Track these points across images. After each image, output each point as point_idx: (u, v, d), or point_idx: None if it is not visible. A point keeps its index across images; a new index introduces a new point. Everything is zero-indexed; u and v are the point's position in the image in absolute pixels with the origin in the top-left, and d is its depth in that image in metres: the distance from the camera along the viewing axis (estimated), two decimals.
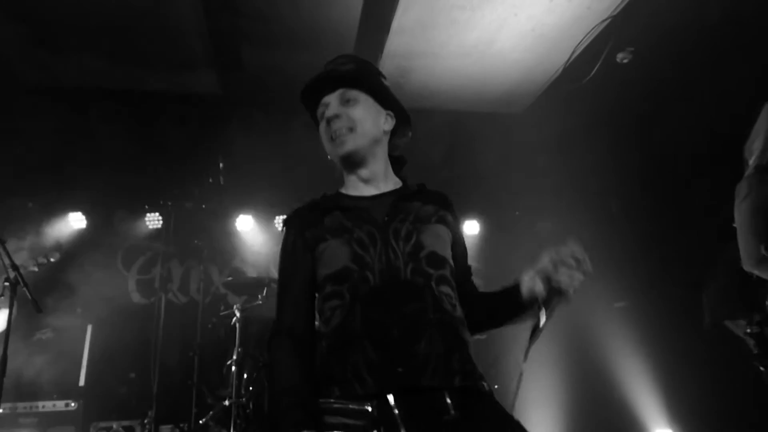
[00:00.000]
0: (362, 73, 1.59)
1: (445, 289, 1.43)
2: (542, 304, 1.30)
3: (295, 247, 1.54)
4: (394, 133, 1.65)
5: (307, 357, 1.42)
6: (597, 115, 4.95)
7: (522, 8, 3.87)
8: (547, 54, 4.40)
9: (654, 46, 4.05)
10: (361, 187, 1.60)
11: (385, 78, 1.66)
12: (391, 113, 1.63)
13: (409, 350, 1.31)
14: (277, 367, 1.42)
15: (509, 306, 1.47)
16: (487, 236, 6.01)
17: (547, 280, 1.33)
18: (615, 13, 3.86)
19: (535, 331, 1.29)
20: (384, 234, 1.45)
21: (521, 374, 1.25)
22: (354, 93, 1.56)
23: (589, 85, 4.39)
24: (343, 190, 1.62)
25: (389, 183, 1.62)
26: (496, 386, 1.23)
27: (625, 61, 4.16)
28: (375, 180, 1.59)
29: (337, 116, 1.53)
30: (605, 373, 4.90)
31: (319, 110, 1.60)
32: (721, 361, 4.00)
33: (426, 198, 1.58)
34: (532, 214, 6.06)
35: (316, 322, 1.49)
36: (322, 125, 1.59)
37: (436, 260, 1.45)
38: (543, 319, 1.27)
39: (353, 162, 1.57)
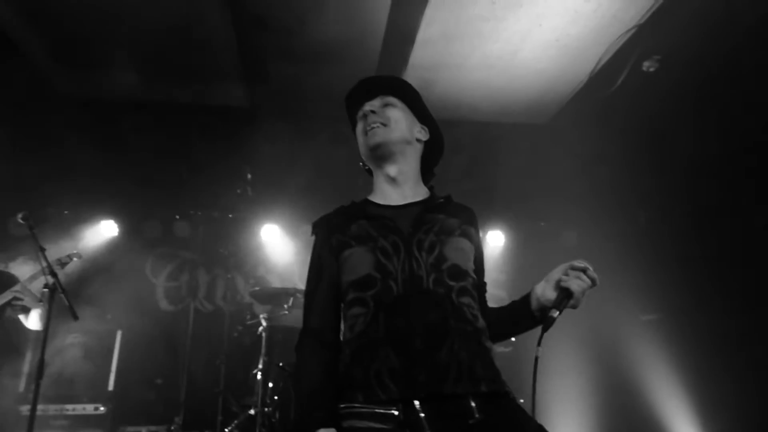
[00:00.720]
0: (403, 84, 1.71)
1: (466, 300, 1.45)
2: (553, 306, 1.40)
3: (321, 253, 1.58)
4: (427, 150, 1.70)
5: (333, 360, 1.46)
6: (623, 125, 4.90)
7: (546, 18, 3.87)
8: (572, 64, 4.39)
9: (682, 55, 4.01)
10: (389, 192, 1.62)
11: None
12: (426, 128, 1.70)
13: (430, 358, 1.33)
14: (303, 369, 1.47)
15: (519, 316, 1.53)
16: (512, 247, 5.97)
17: (558, 285, 1.43)
18: (641, 21, 3.84)
19: (548, 321, 1.39)
20: (408, 245, 1.47)
21: (537, 359, 1.34)
22: (393, 99, 1.66)
23: (615, 94, 4.36)
24: (371, 198, 1.65)
25: (417, 192, 1.64)
26: (521, 400, 1.26)
27: (652, 69, 4.12)
28: (403, 183, 1.62)
29: (373, 112, 1.63)
30: (633, 386, 4.81)
31: (359, 113, 1.67)
32: (757, 377, 3.91)
33: (451, 211, 1.60)
34: (558, 226, 6.01)
35: (344, 328, 1.51)
36: (360, 124, 1.66)
37: (458, 273, 1.47)
38: (555, 314, 1.38)
39: (382, 155, 1.61)
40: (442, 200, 1.63)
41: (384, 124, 1.60)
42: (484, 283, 1.66)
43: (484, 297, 1.64)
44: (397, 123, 1.61)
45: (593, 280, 1.40)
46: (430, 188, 1.71)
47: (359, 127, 1.66)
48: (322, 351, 1.47)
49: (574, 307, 1.40)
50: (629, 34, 3.96)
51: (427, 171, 1.74)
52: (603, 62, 4.28)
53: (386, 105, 1.64)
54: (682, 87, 4.30)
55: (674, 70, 4.14)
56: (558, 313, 1.38)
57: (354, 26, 4.00)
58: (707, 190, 4.76)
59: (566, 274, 1.41)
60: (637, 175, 5.16)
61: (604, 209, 5.29)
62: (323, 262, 1.56)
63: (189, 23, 3.98)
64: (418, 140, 1.67)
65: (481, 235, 1.69)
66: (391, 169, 1.61)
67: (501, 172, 5.26)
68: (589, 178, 5.16)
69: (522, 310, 1.51)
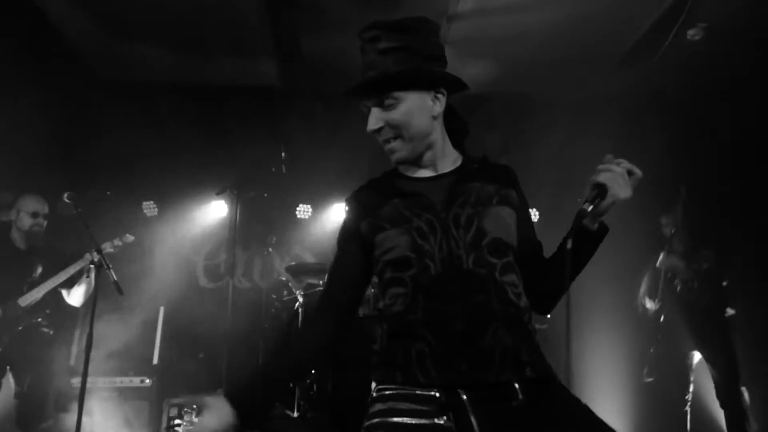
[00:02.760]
0: (394, 74, 1.42)
1: (509, 278, 1.40)
2: (585, 200, 1.37)
3: (349, 236, 1.54)
4: (448, 106, 1.54)
5: (324, 334, 1.51)
6: (665, 97, 4.74)
7: None
8: (613, 33, 4.25)
9: (728, 22, 3.84)
10: (419, 170, 1.55)
11: (431, 39, 1.48)
12: (442, 90, 1.49)
13: (473, 345, 1.30)
14: (305, 327, 1.56)
15: (563, 245, 1.47)
16: (547, 225, 5.87)
17: (590, 185, 1.39)
18: None
19: (579, 213, 1.37)
20: (443, 222, 1.41)
21: (568, 251, 1.37)
22: (394, 95, 1.44)
23: (657, 65, 4.22)
24: (402, 169, 1.57)
25: (447, 161, 1.54)
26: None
27: (697, 38, 3.96)
28: (432, 164, 1.54)
29: (379, 129, 1.47)
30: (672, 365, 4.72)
31: (363, 110, 1.51)
32: None
33: (487, 176, 1.51)
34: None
35: (380, 303, 1.49)
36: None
37: (499, 247, 1.41)
38: (587, 207, 1.36)
39: (409, 163, 1.53)
40: (476, 165, 1.54)
41: (396, 136, 1.46)
42: (539, 243, 1.58)
43: (542, 257, 1.56)
44: (408, 127, 1.44)
45: (629, 170, 1.38)
46: (463, 152, 1.60)
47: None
48: (317, 322, 1.53)
49: (614, 197, 1.36)
50: (672, 1, 3.81)
51: (455, 120, 1.60)
52: (644, 30, 4.13)
53: (388, 107, 1.44)
54: (727, 57, 4.12)
55: (720, 40, 3.97)
56: (590, 206, 1.35)
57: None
58: (752, 165, 4.58)
59: (597, 173, 1.38)
60: (678, 150, 5.00)
61: (645, 185, 5.14)
62: (347, 249, 1.54)
63: (223, 3, 3.99)
64: (435, 117, 1.49)
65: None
66: (421, 162, 1.53)
67: (538, 147, 5.17)
68: (628, 154, 5.01)
69: (563, 241, 1.45)
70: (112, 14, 4.12)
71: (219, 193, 4.54)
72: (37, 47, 4.26)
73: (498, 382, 1.28)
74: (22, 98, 4.31)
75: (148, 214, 5.61)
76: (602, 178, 1.36)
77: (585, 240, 1.43)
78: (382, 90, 1.44)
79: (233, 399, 1.37)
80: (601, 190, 1.36)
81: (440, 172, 1.53)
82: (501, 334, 1.31)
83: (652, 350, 4.61)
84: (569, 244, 1.37)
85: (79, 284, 3.88)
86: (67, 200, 3.36)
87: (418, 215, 1.42)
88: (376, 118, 1.46)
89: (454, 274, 1.36)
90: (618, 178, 1.36)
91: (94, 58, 4.68)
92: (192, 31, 4.35)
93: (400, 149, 1.47)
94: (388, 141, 1.47)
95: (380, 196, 1.50)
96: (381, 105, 1.45)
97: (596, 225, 1.44)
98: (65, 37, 4.37)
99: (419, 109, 1.45)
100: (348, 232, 1.54)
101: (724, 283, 4.30)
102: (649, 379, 4.55)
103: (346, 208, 1.60)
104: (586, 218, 1.39)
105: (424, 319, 1.34)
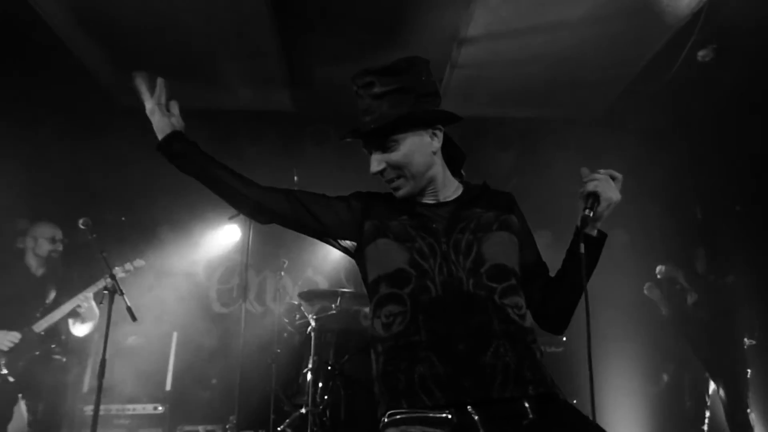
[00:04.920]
0: (389, 123, 1.48)
1: (511, 300, 1.43)
2: (583, 209, 1.50)
3: (342, 205, 1.58)
4: (446, 139, 1.61)
5: (234, 180, 1.69)
6: (677, 118, 4.73)
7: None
8: (623, 56, 4.26)
9: (739, 43, 3.83)
10: (424, 198, 1.60)
11: (423, 77, 1.54)
12: (438, 126, 1.56)
13: (475, 363, 1.32)
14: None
15: (569, 258, 1.57)
16: (560, 247, 5.81)
17: (581, 197, 1.51)
18: (696, 10, 3.69)
19: (582, 219, 1.49)
20: (444, 247, 1.45)
21: (582, 255, 1.46)
22: (393, 137, 1.50)
23: (668, 86, 4.21)
24: None
25: (449, 191, 1.60)
26: (575, 401, 1.25)
27: (707, 59, 3.95)
28: (434, 195, 1.59)
29: (383, 171, 1.53)
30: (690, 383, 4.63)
31: (365, 151, 1.59)
32: None
33: (488, 202, 1.58)
34: (608, 223, 5.82)
35: (373, 323, 1.48)
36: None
37: (499, 273, 1.45)
38: (587, 212, 1.48)
39: (416, 196, 1.58)
40: (478, 192, 1.61)
41: (399, 175, 1.52)
42: (544, 264, 1.63)
43: (548, 277, 1.62)
44: (410, 166, 1.51)
45: (611, 176, 1.49)
46: (461, 180, 1.66)
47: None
48: (243, 181, 1.65)
49: (609, 201, 1.47)
50: (683, 23, 3.81)
51: (452, 148, 1.66)
52: (655, 52, 4.13)
53: (388, 149, 1.50)
54: (739, 77, 4.11)
55: (731, 60, 3.96)
56: (591, 212, 1.48)
57: (399, 27, 4.00)
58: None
59: (583, 186, 1.50)
60: (691, 170, 4.97)
61: (659, 206, 5.11)
62: (331, 204, 1.58)
63: (237, 31, 4.06)
64: (435, 152, 1.56)
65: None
66: (425, 194, 1.58)
67: (549, 168, 5.16)
68: (641, 174, 4.99)
69: (568, 253, 1.57)
70: (131, 44, 4.20)
71: (232, 218, 4.55)
72: (55, 75, 4.33)
73: (502, 398, 1.30)
74: (40, 126, 4.38)
75: (163, 238, 5.63)
76: (591, 186, 1.47)
77: (589, 246, 1.52)
78: (381, 135, 1.50)
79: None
80: (594, 197, 1.47)
81: (440, 201, 1.58)
82: (502, 352, 1.34)
83: (666, 375, 4.57)
84: (582, 248, 1.46)
85: (87, 320, 3.89)
86: (82, 226, 3.38)
87: (422, 237, 1.47)
88: (378, 161, 1.53)
89: (455, 296, 1.39)
90: (605, 183, 1.47)
91: (112, 85, 4.76)
92: (209, 60, 4.42)
93: (404, 186, 1.54)
94: (391, 180, 1.54)
95: (391, 210, 1.55)
96: (381, 148, 1.51)
97: (595, 232, 1.55)
98: (84, 66, 4.45)
99: (419, 148, 1.52)
100: (343, 200, 1.59)
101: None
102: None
103: (356, 196, 1.63)
104: (583, 218, 1.49)
105: (427, 341, 1.35)
